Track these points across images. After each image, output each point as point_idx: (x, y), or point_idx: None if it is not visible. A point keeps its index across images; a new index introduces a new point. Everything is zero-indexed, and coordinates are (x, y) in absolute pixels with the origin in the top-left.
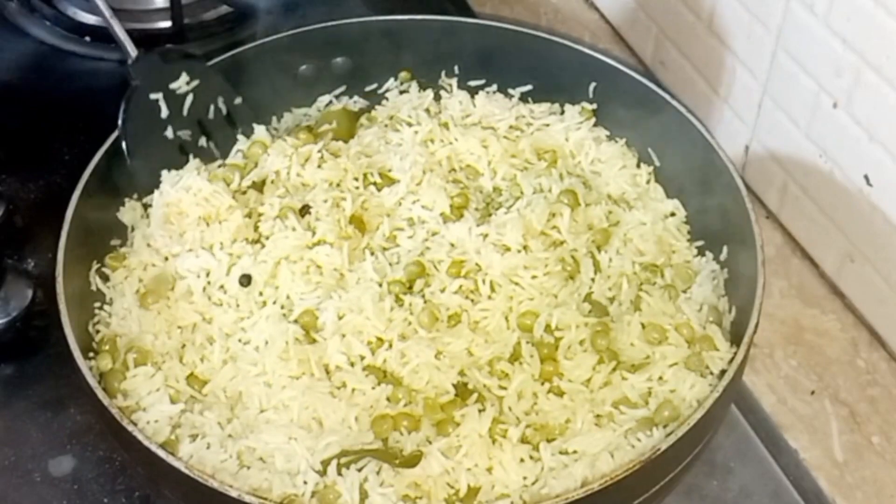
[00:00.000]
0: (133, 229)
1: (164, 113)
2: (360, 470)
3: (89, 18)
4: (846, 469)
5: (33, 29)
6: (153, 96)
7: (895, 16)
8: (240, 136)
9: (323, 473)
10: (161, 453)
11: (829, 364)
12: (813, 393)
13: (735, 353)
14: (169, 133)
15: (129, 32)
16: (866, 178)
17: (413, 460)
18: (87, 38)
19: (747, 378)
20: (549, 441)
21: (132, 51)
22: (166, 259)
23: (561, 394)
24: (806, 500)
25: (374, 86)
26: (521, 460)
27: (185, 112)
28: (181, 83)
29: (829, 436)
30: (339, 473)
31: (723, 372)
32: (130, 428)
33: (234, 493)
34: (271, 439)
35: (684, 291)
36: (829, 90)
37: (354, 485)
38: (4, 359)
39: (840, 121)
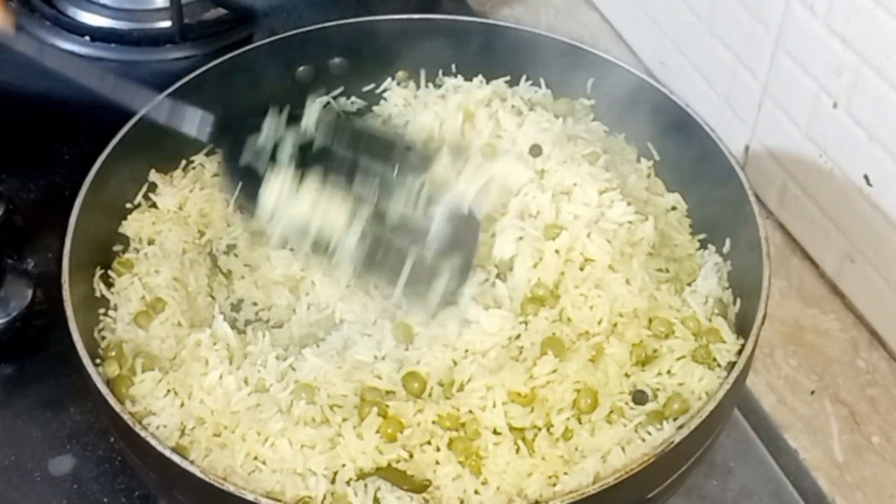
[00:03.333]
0: (140, 240)
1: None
2: (367, 486)
3: (89, 18)
4: (846, 469)
5: (33, 29)
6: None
7: (895, 16)
8: None
9: (332, 482)
10: (176, 458)
11: (829, 364)
12: (813, 393)
13: (744, 345)
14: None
15: (129, 32)
16: (866, 178)
17: (422, 487)
18: (87, 38)
19: (748, 378)
20: (560, 437)
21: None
22: None
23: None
24: (806, 500)
25: (372, 86)
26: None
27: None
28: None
29: (829, 436)
30: (348, 484)
31: (730, 364)
32: (144, 434)
33: (250, 497)
34: (285, 453)
35: (689, 284)
36: (829, 90)
37: (369, 496)
38: (4, 359)
39: (840, 121)
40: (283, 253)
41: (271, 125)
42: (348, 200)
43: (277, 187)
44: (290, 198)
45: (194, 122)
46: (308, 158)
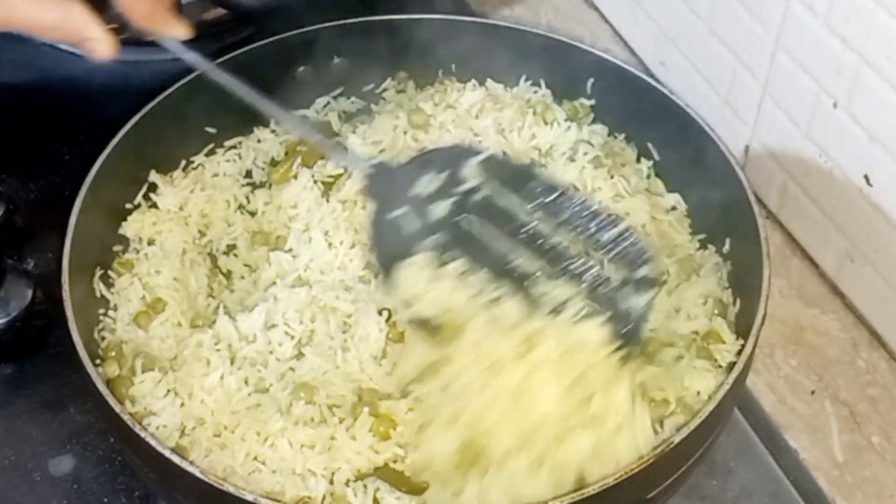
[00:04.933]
0: (140, 240)
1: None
2: (366, 486)
3: None
4: (846, 469)
5: None
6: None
7: (895, 16)
8: None
9: (331, 482)
10: (175, 458)
11: (829, 364)
12: (813, 393)
13: (744, 345)
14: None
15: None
16: (866, 178)
17: (420, 489)
18: None
19: (748, 378)
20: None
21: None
22: None
23: None
24: (806, 500)
25: (372, 86)
26: None
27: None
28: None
29: (829, 436)
30: (347, 485)
31: (730, 364)
32: (143, 434)
33: (250, 497)
34: (285, 453)
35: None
36: (829, 90)
37: (368, 496)
38: (4, 359)
39: (840, 121)
40: (283, 254)
41: (429, 182)
42: (489, 296)
43: (417, 271)
44: (427, 283)
45: (358, 163)
46: (459, 227)
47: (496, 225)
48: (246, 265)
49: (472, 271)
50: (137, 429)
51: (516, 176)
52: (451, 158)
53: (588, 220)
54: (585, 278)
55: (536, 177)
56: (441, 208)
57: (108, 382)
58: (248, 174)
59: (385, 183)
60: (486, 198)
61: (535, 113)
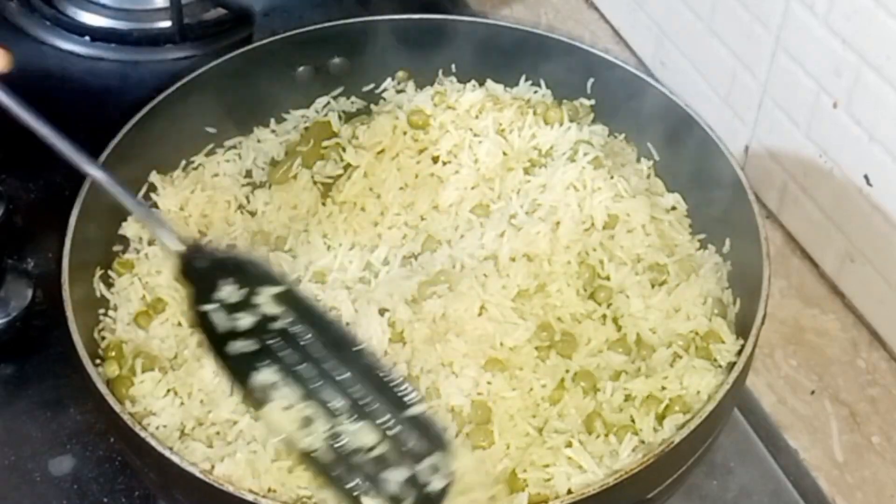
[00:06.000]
0: (141, 240)
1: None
2: None
3: (89, 18)
4: (846, 469)
5: (33, 29)
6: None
7: (895, 16)
8: None
9: None
10: (175, 458)
11: (829, 364)
12: (813, 393)
13: (744, 345)
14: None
15: (129, 32)
16: (866, 178)
17: None
18: (87, 38)
19: (747, 378)
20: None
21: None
22: None
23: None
24: (806, 500)
25: (372, 86)
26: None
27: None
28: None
29: (829, 436)
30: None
31: (730, 364)
32: (144, 434)
33: (249, 497)
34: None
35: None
36: (829, 90)
37: None
38: (4, 359)
39: (840, 121)
40: (283, 254)
41: (230, 293)
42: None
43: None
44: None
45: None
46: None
47: (298, 354)
48: None
49: (282, 383)
50: (137, 429)
51: (311, 314)
52: (248, 276)
53: (381, 384)
54: (388, 432)
55: (330, 321)
56: (245, 321)
57: (108, 382)
58: (248, 174)
59: (195, 269)
60: (285, 329)
61: (535, 113)
